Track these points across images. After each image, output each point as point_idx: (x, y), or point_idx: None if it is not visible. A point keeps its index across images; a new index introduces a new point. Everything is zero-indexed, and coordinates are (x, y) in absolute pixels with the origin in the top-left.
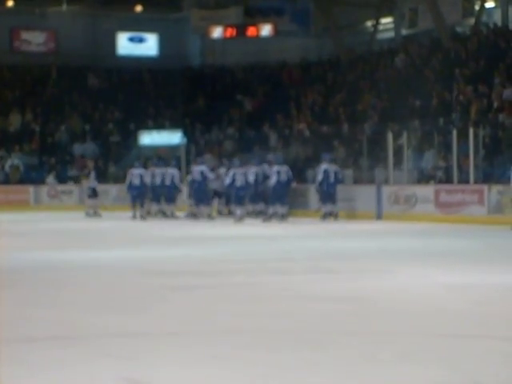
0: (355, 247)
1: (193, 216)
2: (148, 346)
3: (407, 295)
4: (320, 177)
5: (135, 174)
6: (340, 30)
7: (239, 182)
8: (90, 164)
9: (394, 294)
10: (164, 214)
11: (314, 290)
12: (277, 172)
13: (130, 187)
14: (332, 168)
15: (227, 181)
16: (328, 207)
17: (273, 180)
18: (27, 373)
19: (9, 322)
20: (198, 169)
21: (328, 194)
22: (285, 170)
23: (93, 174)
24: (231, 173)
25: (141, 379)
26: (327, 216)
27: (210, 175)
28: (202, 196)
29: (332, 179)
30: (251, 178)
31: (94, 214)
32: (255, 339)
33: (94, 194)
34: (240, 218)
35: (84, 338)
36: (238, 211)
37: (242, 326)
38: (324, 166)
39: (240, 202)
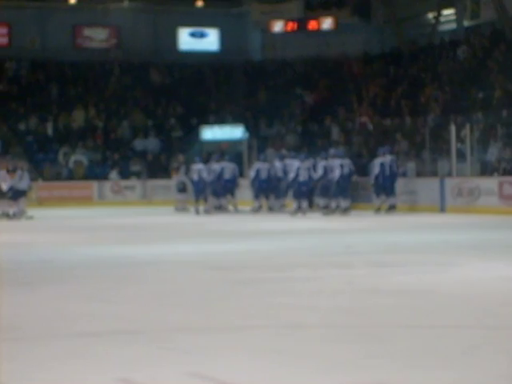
0: (418, 240)
1: (255, 210)
2: (211, 340)
3: (470, 288)
4: (376, 170)
5: (195, 169)
6: (401, 23)
7: (302, 177)
8: (181, 158)
9: (458, 288)
10: (225, 209)
11: (377, 283)
12: (340, 165)
13: (192, 182)
14: (388, 161)
15: (291, 175)
16: (382, 200)
17: (336, 173)
18: (91, 368)
19: (72, 317)
20: (260, 165)
21: (383, 188)
22: (347, 163)
23: (183, 169)
24: (295, 167)
25: (205, 374)
26: (386, 209)
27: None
28: (262, 191)
29: (388, 172)
30: (320, 172)
31: (183, 209)
32: (318, 333)
33: (183, 188)
34: (296, 212)
35: (147, 333)
36: (295, 205)
37: (305, 321)
38: (380, 159)
39: (301, 196)
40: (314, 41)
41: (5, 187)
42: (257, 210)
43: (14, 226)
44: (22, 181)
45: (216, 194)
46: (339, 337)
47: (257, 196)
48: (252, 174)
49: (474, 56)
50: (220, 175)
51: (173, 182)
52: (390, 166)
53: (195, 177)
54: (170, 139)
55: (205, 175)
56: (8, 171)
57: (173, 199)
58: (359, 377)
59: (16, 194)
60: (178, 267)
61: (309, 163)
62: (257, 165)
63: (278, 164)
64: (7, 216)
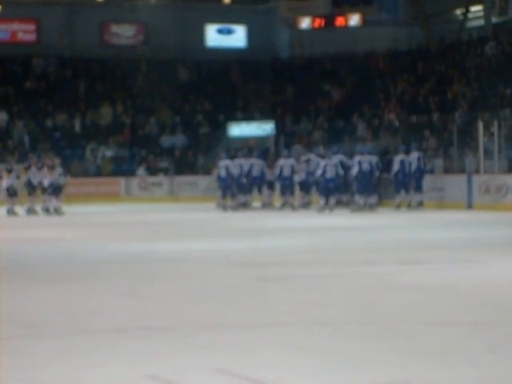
0: (445, 237)
1: (283, 206)
2: (239, 337)
3: (498, 286)
4: (396, 167)
5: (222, 165)
6: (429, 19)
7: (329, 174)
8: (222, 154)
9: (484, 285)
10: (251, 205)
11: (404, 280)
12: (358, 162)
13: (219, 179)
14: (409, 159)
15: (318, 172)
16: (402, 197)
17: (354, 170)
18: (119, 364)
19: (99, 312)
20: (286, 162)
21: (403, 185)
22: (374, 160)
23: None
24: (322, 164)
25: (232, 370)
26: (408, 206)
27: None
28: (290, 188)
29: (407, 170)
30: (341, 170)
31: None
32: (345, 330)
33: None
34: (323, 209)
35: (175, 329)
36: (322, 201)
37: (331, 317)
38: (400, 156)
39: (327, 193)
40: (342, 37)
41: (46, 183)
42: (283, 206)
43: (43, 221)
44: (61, 177)
45: (243, 190)
46: (366, 333)
47: (283, 193)
48: (277, 171)
49: (502, 52)
50: (248, 172)
51: (212, 178)
52: (418, 163)
53: (222, 173)
54: (197, 136)
55: (233, 171)
56: (48, 167)
57: (200, 196)
58: (386, 373)
59: (56, 190)
60: (205, 264)
61: (336, 159)
62: (280, 161)
63: (314, 160)
64: (47, 211)
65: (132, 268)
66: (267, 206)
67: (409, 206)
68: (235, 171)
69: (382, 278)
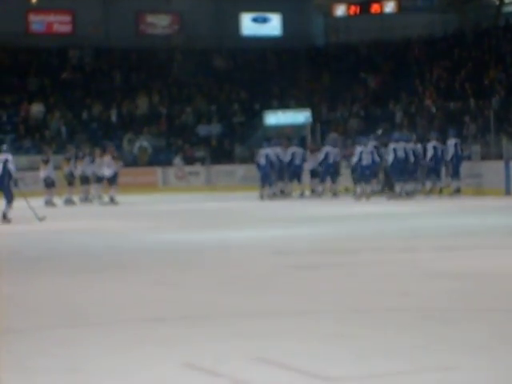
0: (483, 224)
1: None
2: (275, 325)
3: None
4: (430, 153)
5: (262, 153)
6: (465, 4)
7: (365, 161)
8: (286, 142)
9: None
10: (291, 194)
11: (442, 267)
12: (393, 149)
13: (259, 167)
14: (441, 145)
15: (354, 159)
16: (432, 183)
17: (390, 157)
18: (157, 352)
19: (137, 302)
20: (329, 149)
21: (435, 171)
22: (409, 147)
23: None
24: (358, 151)
25: (269, 358)
26: (446, 192)
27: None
28: (329, 174)
29: (439, 156)
30: (377, 157)
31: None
32: (383, 318)
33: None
34: (360, 196)
35: (213, 318)
36: (358, 189)
37: (370, 305)
38: (433, 143)
39: (365, 180)
40: (377, 24)
41: (108, 172)
42: (321, 193)
43: (81, 212)
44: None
45: (281, 178)
46: (404, 321)
47: (323, 180)
48: (321, 156)
49: None
50: (291, 160)
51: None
52: (455, 150)
53: (262, 161)
54: (233, 125)
55: (275, 159)
56: (113, 157)
57: (237, 185)
58: (425, 361)
59: (114, 179)
60: (242, 252)
61: (371, 146)
62: (326, 148)
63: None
64: (111, 201)
65: (171, 258)
66: (316, 194)
67: (440, 192)
68: (275, 159)
69: (420, 265)
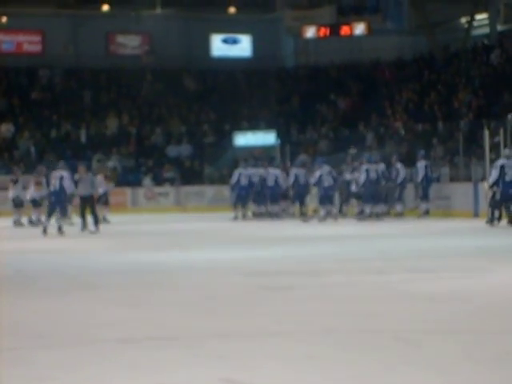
0: (452, 246)
1: (301, 216)
2: (245, 346)
3: (507, 294)
4: (421, 173)
5: (245, 174)
6: (434, 27)
7: (326, 183)
8: (266, 163)
9: (494, 293)
10: (269, 215)
11: (412, 289)
12: (365, 170)
13: (237, 187)
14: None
15: (312, 180)
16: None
17: (361, 178)
18: (125, 373)
19: (106, 323)
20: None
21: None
22: (373, 168)
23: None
24: (317, 174)
25: (238, 379)
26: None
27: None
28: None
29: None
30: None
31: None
32: (353, 339)
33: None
34: (324, 218)
35: (181, 339)
36: (322, 212)
37: (340, 326)
38: (421, 162)
39: (330, 201)
40: (347, 46)
41: (100, 191)
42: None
43: (49, 232)
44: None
45: (256, 200)
46: (370, 343)
47: (293, 202)
48: (291, 178)
49: (507, 60)
50: (264, 181)
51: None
52: (425, 172)
53: (244, 181)
54: (203, 145)
55: (256, 180)
56: (106, 177)
57: (206, 205)
58: (396, 382)
59: (106, 199)
60: (212, 273)
61: (328, 168)
62: (294, 170)
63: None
64: (104, 220)
65: (138, 278)
66: (286, 215)
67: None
68: (255, 180)
69: (389, 287)
